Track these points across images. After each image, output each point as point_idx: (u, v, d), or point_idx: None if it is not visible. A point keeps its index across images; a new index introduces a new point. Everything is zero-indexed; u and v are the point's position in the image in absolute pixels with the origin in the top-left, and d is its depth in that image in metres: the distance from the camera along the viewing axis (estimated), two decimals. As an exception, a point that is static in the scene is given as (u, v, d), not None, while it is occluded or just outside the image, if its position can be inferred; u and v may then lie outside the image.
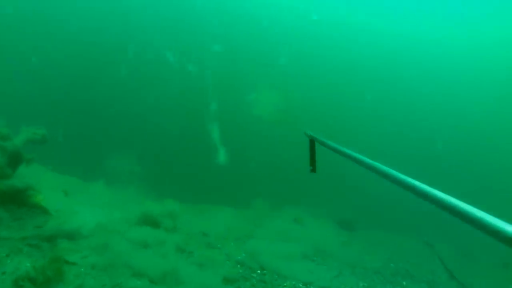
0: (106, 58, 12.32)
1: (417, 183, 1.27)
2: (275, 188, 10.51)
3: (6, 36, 11.75)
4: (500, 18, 15.75)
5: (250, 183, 10.41)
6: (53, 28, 12.34)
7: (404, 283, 7.18)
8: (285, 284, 5.98)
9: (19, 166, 6.68)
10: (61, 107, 11.12)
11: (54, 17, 12.50)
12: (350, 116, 13.51)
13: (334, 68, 14.22)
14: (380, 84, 14.36)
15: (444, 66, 15.31)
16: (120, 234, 6.40)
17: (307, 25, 14.96)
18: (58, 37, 12.29)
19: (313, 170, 2.64)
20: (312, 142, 2.59)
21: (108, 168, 9.40)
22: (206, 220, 8.35)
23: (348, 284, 6.50)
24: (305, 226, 9.28)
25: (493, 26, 15.85)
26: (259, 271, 6.28)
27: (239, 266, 6.38)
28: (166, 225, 7.33)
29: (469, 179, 11.35)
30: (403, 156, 10.73)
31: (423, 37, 15.70)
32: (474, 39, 15.83)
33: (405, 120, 14.00)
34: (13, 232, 5.46)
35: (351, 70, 14.25)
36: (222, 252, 6.79)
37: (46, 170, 8.68)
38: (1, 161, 6.11)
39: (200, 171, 10.59)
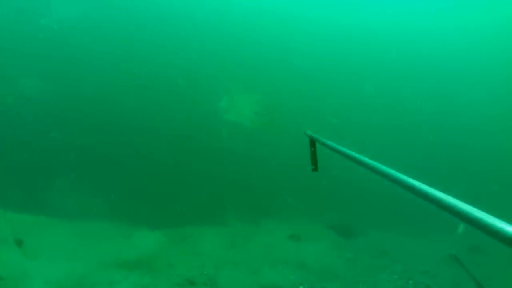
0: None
1: (417, 183, 1.28)
2: (259, 197, 9.86)
3: None
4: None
5: (229, 195, 9.66)
6: None
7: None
8: None
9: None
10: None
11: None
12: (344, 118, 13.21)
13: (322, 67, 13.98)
14: (373, 82, 14.19)
15: (440, 58, 15.10)
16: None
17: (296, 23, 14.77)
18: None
19: (315, 169, 2.69)
20: (312, 142, 2.62)
21: (68, 199, 8.31)
22: (189, 255, 7.23)
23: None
24: (302, 243, 8.43)
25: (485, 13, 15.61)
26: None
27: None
28: (143, 273, 6.22)
29: (469, 178, 11.15)
30: (400, 155, 10.48)
31: (413, 31, 15.52)
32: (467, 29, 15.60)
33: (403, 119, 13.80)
34: None
35: (340, 68, 14.04)
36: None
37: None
38: None
39: (172, 186, 9.65)
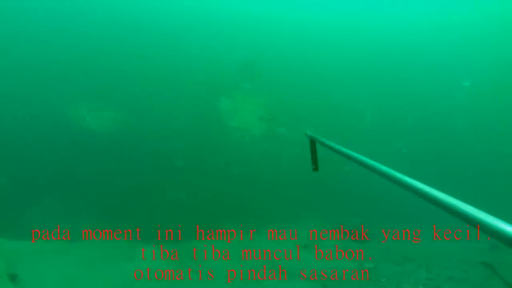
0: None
1: (417, 183, 1.28)
2: (264, 204, 9.56)
3: None
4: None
5: (233, 203, 9.37)
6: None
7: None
8: None
9: None
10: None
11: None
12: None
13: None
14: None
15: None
16: None
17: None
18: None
19: (316, 169, 2.69)
20: (313, 142, 2.62)
21: (61, 222, 7.86)
22: (194, 272, 6.86)
23: None
24: (314, 252, 7.93)
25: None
26: None
27: None
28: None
29: (468, 177, 10.96)
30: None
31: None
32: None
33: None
34: None
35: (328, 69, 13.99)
36: None
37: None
38: None
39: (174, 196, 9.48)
